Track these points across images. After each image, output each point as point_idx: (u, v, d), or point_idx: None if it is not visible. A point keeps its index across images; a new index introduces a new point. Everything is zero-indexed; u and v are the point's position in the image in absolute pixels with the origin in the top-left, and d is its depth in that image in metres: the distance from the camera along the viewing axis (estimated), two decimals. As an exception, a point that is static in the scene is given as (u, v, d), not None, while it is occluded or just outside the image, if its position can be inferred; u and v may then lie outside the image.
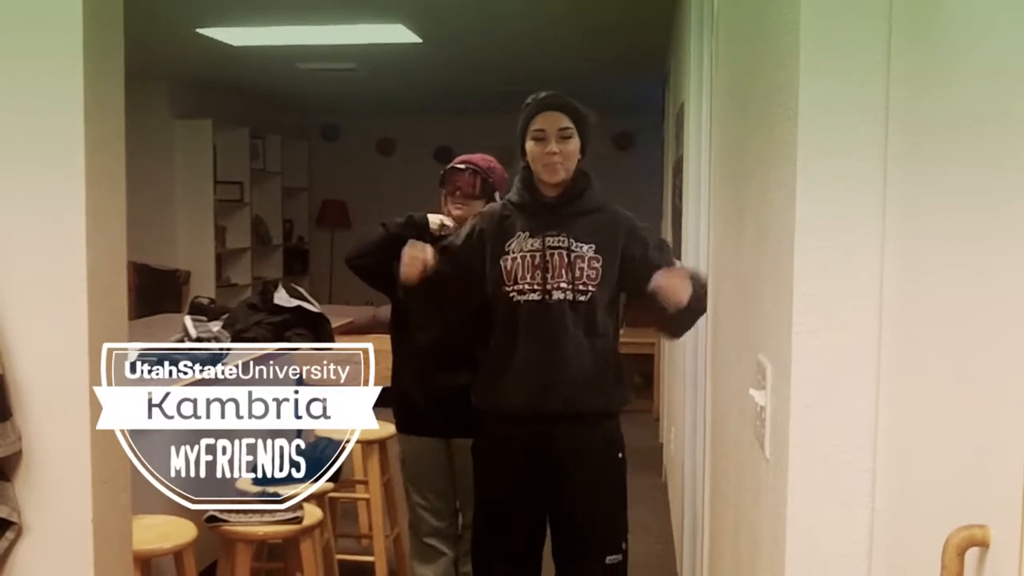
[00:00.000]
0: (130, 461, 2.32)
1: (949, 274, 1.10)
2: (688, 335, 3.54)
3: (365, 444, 4.32)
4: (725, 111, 2.55)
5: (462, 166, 3.48)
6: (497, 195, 3.46)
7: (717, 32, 2.90)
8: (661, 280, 2.74)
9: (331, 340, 4.60)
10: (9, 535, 2.13)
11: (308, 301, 4.58)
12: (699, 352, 3.41)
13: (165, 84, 8.74)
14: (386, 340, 4.14)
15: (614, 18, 5.95)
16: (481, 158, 3.55)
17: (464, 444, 3.30)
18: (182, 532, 3.04)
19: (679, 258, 4.29)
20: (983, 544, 0.96)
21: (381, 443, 4.29)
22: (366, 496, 4.40)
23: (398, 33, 6.35)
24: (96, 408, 2.14)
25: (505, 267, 2.95)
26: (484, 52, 7.37)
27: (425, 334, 3.49)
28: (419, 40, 6.58)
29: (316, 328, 4.55)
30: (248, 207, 9.68)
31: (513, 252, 2.95)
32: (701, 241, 3.40)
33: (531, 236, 2.95)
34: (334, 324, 4.69)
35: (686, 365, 3.58)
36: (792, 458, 1.40)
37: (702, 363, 3.33)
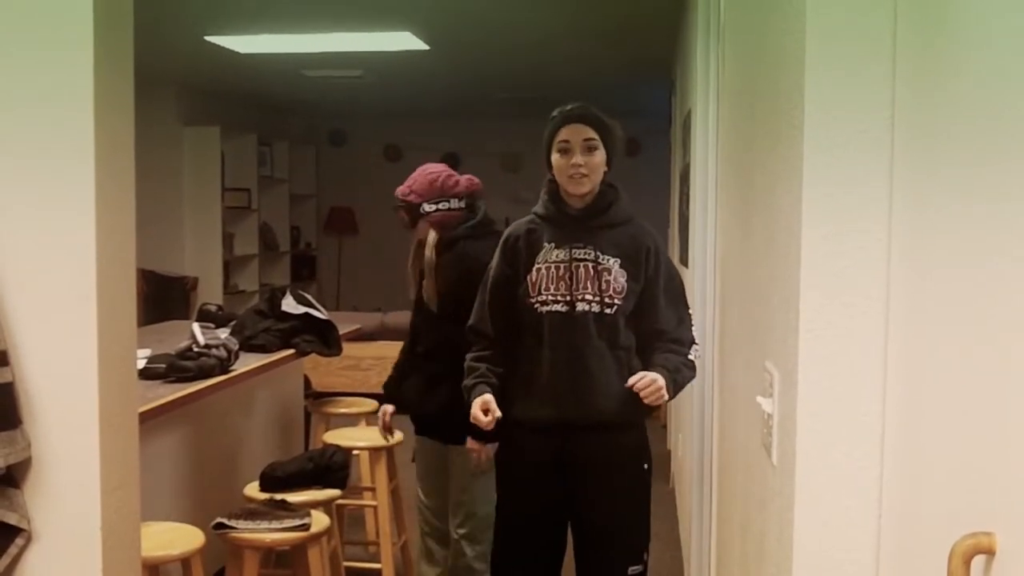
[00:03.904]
0: (139, 468, 2.33)
1: (956, 280, 1.10)
2: (696, 340, 3.54)
3: (372, 451, 4.32)
4: (732, 118, 2.56)
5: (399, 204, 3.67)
6: (427, 205, 3.55)
7: (724, 39, 2.90)
8: (636, 383, 2.85)
9: (339, 347, 4.61)
10: (19, 542, 2.14)
11: (316, 308, 4.59)
12: (706, 359, 3.41)
13: (173, 91, 8.77)
14: (394, 347, 4.17)
15: (621, 25, 5.96)
16: (402, 187, 3.66)
17: (459, 448, 3.44)
18: (190, 539, 3.04)
19: (686, 265, 4.29)
20: (989, 551, 0.96)
21: (389, 450, 4.29)
22: (374, 503, 4.41)
23: (405, 41, 6.37)
24: (105, 416, 2.15)
25: (531, 279, 2.94)
26: (491, 59, 7.38)
27: (423, 344, 3.69)
28: (426, 47, 6.59)
29: (324, 335, 4.56)
30: (256, 214, 9.70)
31: (539, 263, 2.95)
32: (708, 248, 3.40)
33: (557, 247, 2.94)
34: (342, 331, 4.70)
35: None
36: (799, 465, 1.41)
37: (709, 370, 3.33)
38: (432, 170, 3.66)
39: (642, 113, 9.68)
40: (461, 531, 3.66)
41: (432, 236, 3.60)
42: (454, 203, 3.58)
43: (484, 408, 2.93)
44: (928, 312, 1.21)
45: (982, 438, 1.02)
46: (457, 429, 3.44)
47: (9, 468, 2.10)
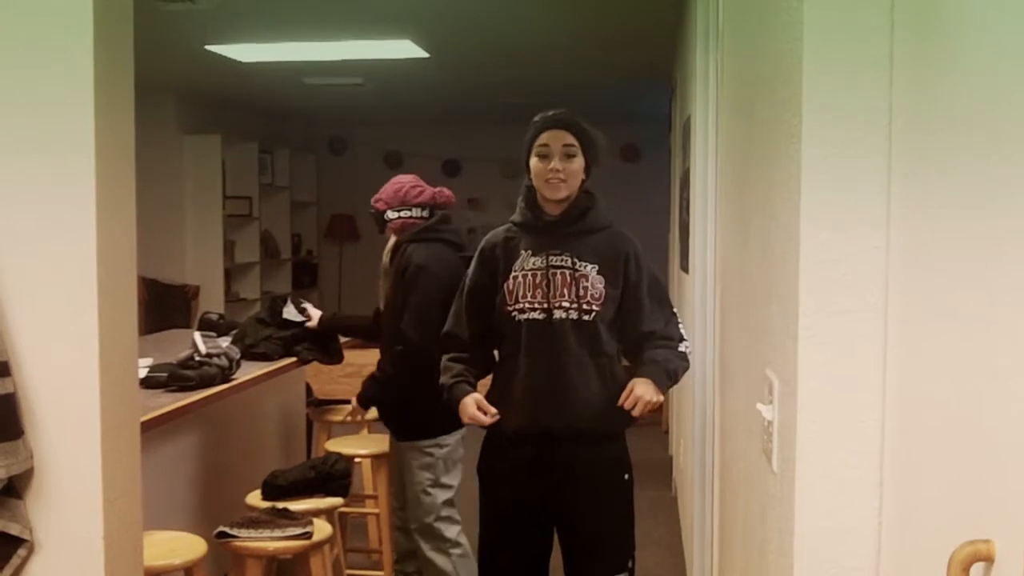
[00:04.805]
0: (141, 477, 2.34)
1: (955, 286, 1.10)
2: (696, 347, 3.54)
3: (374, 458, 4.33)
4: (731, 125, 2.56)
5: None
6: (390, 212, 3.80)
7: (722, 46, 2.91)
8: (624, 402, 2.88)
9: (340, 355, 4.61)
10: (21, 552, 2.14)
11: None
12: (707, 365, 3.41)
13: (174, 100, 8.77)
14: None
15: (620, 31, 5.96)
16: (375, 197, 3.91)
17: (407, 444, 3.78)
18: (192, 548, 3.04)
19: (686, 271, 4.30)
20: (988, 559, 0.96)
21: (390, 457, 4.29)
22: (376, 511, 4.40)
23: (405, 48, 6.38)
24: (107, 425, 2.15)
25: (508, 287, 2.95)
26: (491, 66, 7.39)
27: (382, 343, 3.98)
28: (426, 55, 6.60)
29: (325, 343, 4.56)
30: (257, 221, 9.70)
31: (515, 271, 2.95)
32: (708, 254, 3.40)
33: (534, 255, 2.94)
34: (342, 338, 4.70)
35: (694, 378, 3.58)
36: (799, 472, 1.41)
37: (710, 376, 3.33)
38: (400, 180, 3.90)
39: (642, 119, 9.69)
40: (414, 525, 3.80)
41: (391, 241, 3.88)
42: (416, 212, 3.81)
43: (480, 407, 2.95)
44: (927, 318, 1.21)
45: (981, 445, 1.02)
46: (404, 426, 3.80)
47: (11, 479, 2.11)
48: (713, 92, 3.21)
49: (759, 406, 1.70)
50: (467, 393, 2.99)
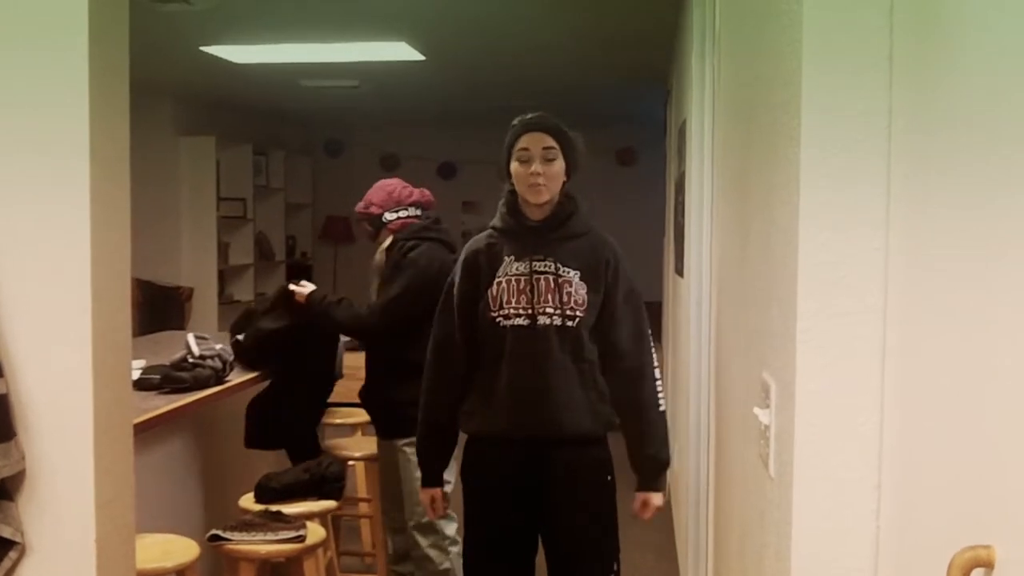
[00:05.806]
0: (134, 480, 2.32)
1: (955, 290, 1.10)
2: (691, 351, 3.54)
3: (368, 461, 4.31)
4: (727, 128, 2.56)
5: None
6: (388, 214, 3.96)
7: (719, 49, 2.90)
8: (641, 511, 3.10)
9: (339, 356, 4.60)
10: (12, 555, 2.13)
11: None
12: (703, 369, 3.40)
13: (169, 101, 8.76)
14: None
15: (615, 34, 5.97)
16: (360, 204, 4.06)
17: (399, 442, 3.89)
18: (185, 551, 3.03)
19: (681, 274, 4.29)
20: (988, 564, 0.96)
21: (379, 459, 4.28)
22: (369, 514, 4.39)
23: (401, 51, 6.38)
24: (100, 427, 2.14)
25: (492, 293, 2.92)
26: (486, 68, 7.39)
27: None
28: (422, 57, 6.60)
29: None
30: (251, 223, 9.69)
31: (499, 277, 2.92)
32: (704, 257, 3.40)
33: (517, 260, 2.92)
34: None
35: (690, 382, 3.57)
36: (797, 478, 1.40)
37: (706, 380, 3.32)
38: (388, 183, 4.07)
39: (639, 121, 9.70)
40: (412, 522, 3.85)
41: (388, 240, 3.98)
42: (412, 211, 4.01)
43: (434, 502, 3.18)
44: (926, 319, 1.20)
45: (981, 449, 1.02)
46: (394, 423, 3.87)
47: (3, 481, 2.09)
48: (709, 95, 3.21)
49: (756, 410, 1.69)
50: (435, 484, 3.18)
